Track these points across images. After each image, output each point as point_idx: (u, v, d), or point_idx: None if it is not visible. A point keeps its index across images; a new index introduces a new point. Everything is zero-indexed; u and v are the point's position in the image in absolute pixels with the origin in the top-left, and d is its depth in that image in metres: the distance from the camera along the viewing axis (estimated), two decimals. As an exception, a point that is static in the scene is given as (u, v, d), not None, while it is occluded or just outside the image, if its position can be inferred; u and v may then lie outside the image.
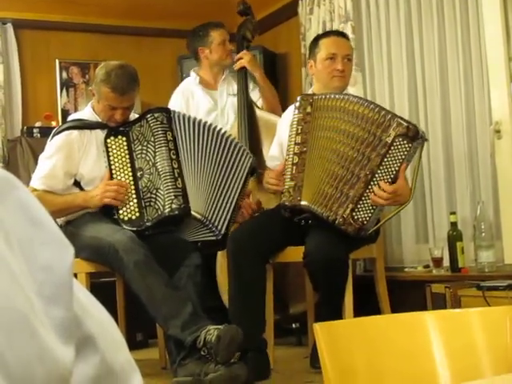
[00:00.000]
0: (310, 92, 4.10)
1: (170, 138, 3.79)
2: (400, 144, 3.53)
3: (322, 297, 3.76)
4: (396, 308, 3.87)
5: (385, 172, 3.56)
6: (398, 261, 4.94)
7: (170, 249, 3.66)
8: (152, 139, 3.78)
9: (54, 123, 5.48)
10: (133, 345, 4.42)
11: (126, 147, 3.79)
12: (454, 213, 4.44)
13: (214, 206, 3.84)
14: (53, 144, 3.81)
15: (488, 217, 4.26)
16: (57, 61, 6.03)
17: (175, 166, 3.75)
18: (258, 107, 4.75)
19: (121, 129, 3.82)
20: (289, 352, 4.39)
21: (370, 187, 3.56)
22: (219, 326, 3.32)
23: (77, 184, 3.82)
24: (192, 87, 4.92)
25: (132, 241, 3.52)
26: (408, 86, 4.91)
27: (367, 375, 1.41)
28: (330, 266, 3.52)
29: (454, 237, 4.34)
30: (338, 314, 3.59)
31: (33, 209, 0.58)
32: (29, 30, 5.92)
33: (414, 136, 3.53)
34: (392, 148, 3.54)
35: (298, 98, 3.87)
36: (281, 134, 4.04)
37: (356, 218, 3.55)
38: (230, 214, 3.86)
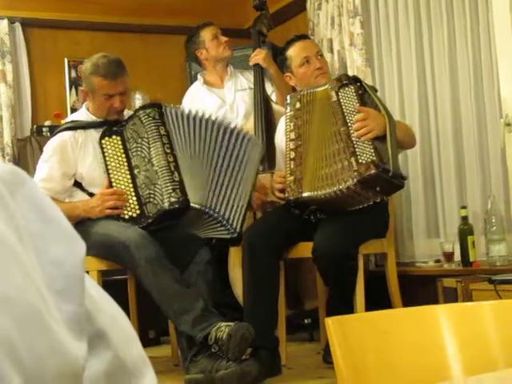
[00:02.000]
0: None
1: (163, 132, 3.79)
2: (344, 93, 3.76)
3: (332, 291, 3.76)
4: (407, 303, 3.86)
5: (352, 116, 3.70)
6: (410, 256, 4.94)
7: (179, 246, 3.66)
8: (145, 135, 3.78)
9: (63, 122, 5.49)
10: (145, 342, 4.43)
11: (121, 146, 3.80)
12: (464, 207, 4.43)
13: (226, 201, 3.85)
14: (48, 147, 3.86)
15: (499, 210, 4.25)
16: (65, 59, 6.04)
17: (170, 159, 3.75)
18: (273, 101, 4.76)
19: (114, 129, 3.83)
20: (301, 348, 4.39)
21: (353, 135, 3.66)
22: (230, 323, 3.33)
23: (78, 185, 3.83)
24: (196, 90, 4.96)
25: (143, 237, 3.53)
26: (417, 81, 4.90)
27: (379, 369, 1.41)
28: (338, 261, 3.53)
29: (465, 231, 4.34)
30: (349, 309, 3.59)
31: (43, 204, 0.58)
32: (37, 29, 5.93)
33: (347, 80, 3.81)
34: (341, 100, 3.75)
35: (288, 97, 3.98)
36: (278, 144, 4.12)
37: (363, 161, 3.58)
38: (243, 210, 3.87)
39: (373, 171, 3.53)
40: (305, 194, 3.70)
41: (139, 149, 3.78)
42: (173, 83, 6.21)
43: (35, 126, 5.60)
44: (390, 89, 5.08)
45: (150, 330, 4.77)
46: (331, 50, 5.33)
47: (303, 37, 4.28)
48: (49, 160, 3.80)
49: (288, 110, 3.92)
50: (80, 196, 3.82)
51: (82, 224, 3.72)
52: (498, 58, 4.33)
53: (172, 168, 3.73)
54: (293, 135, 3.83)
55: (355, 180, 3.55)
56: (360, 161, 3.58)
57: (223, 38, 4.92)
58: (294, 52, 4.10)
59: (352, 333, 1.42)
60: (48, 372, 0.51)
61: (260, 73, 4.77)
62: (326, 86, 3.84)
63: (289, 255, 3.86)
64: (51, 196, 3.67)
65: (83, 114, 3.97)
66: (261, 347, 3.64)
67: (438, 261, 4.62)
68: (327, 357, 3.67)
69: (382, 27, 5.16)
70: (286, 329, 3.91)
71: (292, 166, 3.77)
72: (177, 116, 3.91)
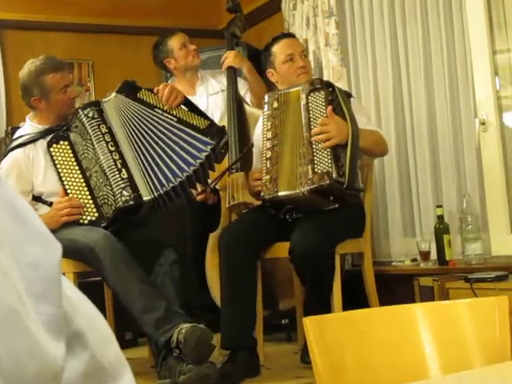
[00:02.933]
0: None
1: (104, 130, 3.76)
2: (313, 97, 3.74)
3: (309, 291, 3.77)
4: (384, 302, 3.87)
5: (317, 122, 3.69)
6: (386, 255, 4.96)
7: (143, 248, 3.66)
8: (89, 137, 3.76)
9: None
10: (122, 344, 4.39)
11: (69, 151, 3.78)
12: (440, 206, 4.45)
13: (166, 175, 3.76)
14: (2, 169, 3.83)
15: (474, 209, 4.27)
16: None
17: (116, 157, 3.72)
18: (248, 103, 4.75)
19: (60, 134, 3.82)
20: (278, 348, 4.39)
21: (314, 143, 3.66)
22: (192, 324, 3.32)
23: (38, 199, 3.81)
24: None
25: (106, 238, 3.54)
26: (392, 80, 4.92)
27: (357, 368, 1.41)
28: (316, 260, 3.54)
29: (441, 230, 4.36)
30: (326, 309, 3.60)
31: (18, 206, 0.57)
32: (12, 31, 5.89)
33: (320, 85, 3.77)
34: (310, 105, 3.73)
35: (266, 96, 3.97)
36: (258, 144, 4.10)
37: (319, 171, 3.59)
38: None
39: (325, 182, 3.57)
40: (280, 194, 3.71)
41: (86, 151, 3.76)
42: (149, 84, 6.15)
43: (10, 128, 5.56)
44: (365, 89, 5.09)
45: (127, 332, 4.75)
46: (307, 51, 5.34)
47: (290, 35, 4.30)
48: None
49: (266, 108, 3.92)
50: (44, 209, 3.79)
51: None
52: (473, 59, 4.36)
53: (119, 166, 3.70)
54: (269, 134, 3.84)
55: (308, 188, 3.60)
56: (316, 170, 3.60)
57: (191, 47, 4.86)
58: (278, 48, 4.09)
59: (329, 332, 1.43)
60: (27, 373, 0.51)
61: (233, 75, 4.76)
62: (299, 88, 3.83)
63: (265, 255, 3.86)
64: None
65: (29, 127, 3.95)
66: (239, 348, 3.64)
67: (414, 260, 4.64)
68: (305, 357, 3.67)
69: (358, 27, 5.18)
70: (264, 329, 3.91)
71: (268, 166, 3.78)
72: (116, 110, 3.86)
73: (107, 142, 3.73)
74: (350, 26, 5.22)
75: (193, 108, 3.99)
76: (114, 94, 3.92)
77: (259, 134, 4.01)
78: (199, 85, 4.91)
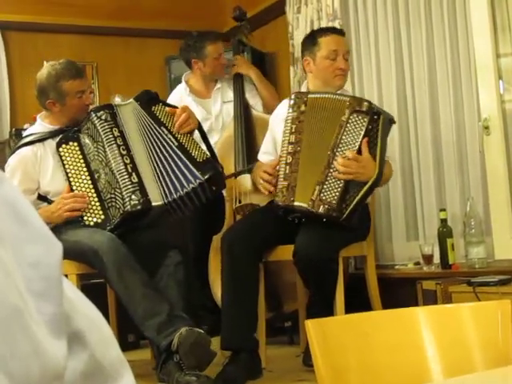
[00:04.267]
0: (303, 89, 4.08)
1: (116, 133, 3.76)
2: (356, 118, 3.58)
3: (313, 294, 3.76)
4: (387, 305, 3.85)
5: (345, 148, 3.58)
6: (389, 258, 4.95)
7: (148, 250, 3.65)
8: (100, 139, 3.76)
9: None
10: (124, 346, 4.41)
11: (78, 152, 3.78)
12: (443, 209, 4.44)
13: (179, 181, 3.77)
14: (9, 166, 3.86)
15: (478, 213, 4.26)
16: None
17: (127, 161, 3.71)
18: (254, 109, 4.75)
19: (70, 134, 3.82)
20: (281, 351, 4.38)
21: (332, 166, 3.57)
22: (189, 328, 3.31)
23: (44, 198, 3.81)
24: (182, 98, 4.89)
25: (111, 241, 3.53)
26: (396, 84, 4.91)
27: (359, 371, 1.41)
28: (319, 264, 3.52)
29: (444, 233, 4.35)
30: (329, 312, 3.59)
31: (19, 205, 0.57)
32: (16, 32, 5.90)
33: (368, 110, 3.59)
34: (348, 125, 3.58)
35: (293, 96, 3.84)
36: (274, 129, 4.03)
37: (323, 198, 3.55)
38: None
39: (322, 211, 3.55)
40: (296, 204, 3.66)
41: (96, 153, 3.76)
42: (152, 86, 6.17)
43: (14, 129, 5.57)
44: (368, 92, 5.09)
45: (130, 334, 4.74)
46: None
47: (340, 32, 4.11)
48: (11, 179, 3.78)
49: (291, 110, 3.78)
50: None
51: (53, 232, 3.68)
52: (477, 62, 4.35)
53: (129, 170, 3.70)
54: (293, 138, 3.73)
55: (306, 206, 3.59)
56: (321, 195, 3.56)
57: (224, 60, 4.86)
58: (325, 42, 3.94)
59: (332, 335, 1.42)
60: (33, 373, 0.51)
61: (240, 81, 4.77)
62: (343, 99, 3.69)
63: (269, 257, 3.85)
64: None
65: (39, 126, 3.96)
66: (240, 349, 3.63)
67: (417, 263, 4.63)
68: (307, 360, 3.66)
69: (362, 31, 5.17)
70: (266, 332, 3.91)
71: (287, 171, 3.71)
72: (130, 116, 3.86)
73: (119, 146, 3.73)
74: (354, 29, 5.22)
75: (202, 137, 3.99)
76: (131, 100, 3.92)
77: (278, 121, 3.91)
78: (216, 91, 4.91)
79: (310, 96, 3.79)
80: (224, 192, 4.41)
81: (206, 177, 3.70)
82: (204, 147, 3.92)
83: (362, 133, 3.57)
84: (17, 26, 5.83)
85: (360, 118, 3.58)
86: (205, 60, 4.82)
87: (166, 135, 3.81)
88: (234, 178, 4.40)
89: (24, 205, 0.58)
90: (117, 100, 5.71)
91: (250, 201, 4.25)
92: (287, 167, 3.71)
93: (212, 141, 4.68)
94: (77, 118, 3.86)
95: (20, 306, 0.51)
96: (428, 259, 4.45)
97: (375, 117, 3.60)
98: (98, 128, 3.76)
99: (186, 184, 3.72)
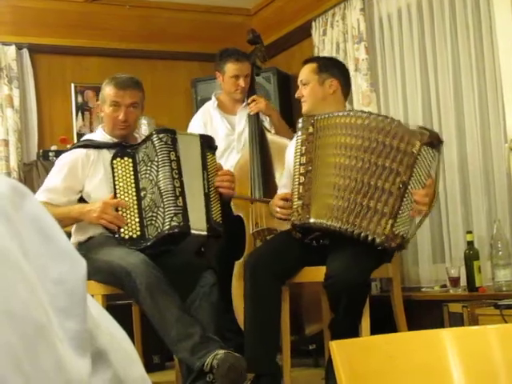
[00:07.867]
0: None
1: (173, 157, 3.78)
2: (427, 153, 3.51)
3: (339, 317, 3.73)
4: (413, 328, 3.83)
5: (416, 182, 3.52)
6: (415, 281, 4.92)
7: (183, 270, 3.64)
8: (156, 159, 3.78)
9: (69, 147, 5.51)
10: (149, 367, 4.41)
11: (131, 168, 3.80)
12: (470, 232, 4.42)
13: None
14: (58, 161, 3.93)
15: (505, 235, 4.23)
16: (72, 85, 6.08)
17: (177, 184, 3.73)
18: (269, 131, 4.76)
19: (127, 150, 3.84)
20: (305, 373, 4.37)
21: (404, 199, 3.53)
22: (228, 351, 3.30)
23: (83, 201, 3.84)
24: (211, 111, 4.93)
25: (144, 263, 3.51)
26: (422, 105, 4.91)
27: (384, 393, 1.40)
28: (353, 290, 3.46)
29: (471, 256, 4.32)
30: (355, 334, 3.56)
31: (44, 222, 0.57)
32: (44, 55, 5.97)
33: (438, 143, 3.55)
34: (419, 158, 3.51)
35: (300, 120, 3.86)
36: (289, 162, 4.04)
37: (397, 232, 3.48)
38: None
39: (395, 245, 3.50)
40: (312, 220, 3.65)
41: (148, 171, 3.78)
42: (179, 108, 6.24)
43: (41, 151, 5.63)
44: (395, 113, 5.08)
45: (155, 355, 4.75)
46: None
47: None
48: (56, 173, 3.85)
49: (300, 133, 3.80)
50: None
51: (84, 248, 3.70)
52: (503, 82, 4.33)
53: (177, 193, 3.71)
54: (304, 159, 3.73)
55: (378, 240, 3.48)
56: (394, 229, 3.47)
57: (241, 83, 4.85)
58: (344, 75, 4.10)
59: (357, 357, 1.41)
60: None
61: (256, 117, 4.75)
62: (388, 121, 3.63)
63: (293, 280, 3.83)
64: (54, 205, 3.70)
65: (99, 134, 4.01)
66: (262, 374, 3.61)
67: (443, 286, 4.60)
68: (328, 381, 3.63)
69: (387, 52, 5.18)
70: (291, 354, 3.89)
71: (301, 191, 3.70)
72: (188, 147, 3.90)
73: (172, 169, 3.74)
74: (380, 51, 5.23)
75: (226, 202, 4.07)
76: (196, 134, 4.01)
77: (293, 153, 3.95)
78: (242, 108, 4.93)
79: (316, 118, 3.79)
80: (242, 214, 4.43)
81: (210, 234, 3.78)
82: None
83: (431, 167, 3.53)
84: (45, 48, 5.91)
85: (431, 151, 3.52)
86: (223, 75, 4.87)
87: (204, 179, 3.85)
88: (251, 204, 4.42)
89: (48, 221, 0.58)
90: (143, 122, 5.75)
91: (266, 225, 4.26)
92: (300, 187, 3.70)
93: (231, 159, 4.70)
94: (113, 132, 3.90)
95: (44, 322, 0.51)
96: (454, 282, 4.42)
97: (439, 146, 3.58)
98: (157, 148, 3.78)
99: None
